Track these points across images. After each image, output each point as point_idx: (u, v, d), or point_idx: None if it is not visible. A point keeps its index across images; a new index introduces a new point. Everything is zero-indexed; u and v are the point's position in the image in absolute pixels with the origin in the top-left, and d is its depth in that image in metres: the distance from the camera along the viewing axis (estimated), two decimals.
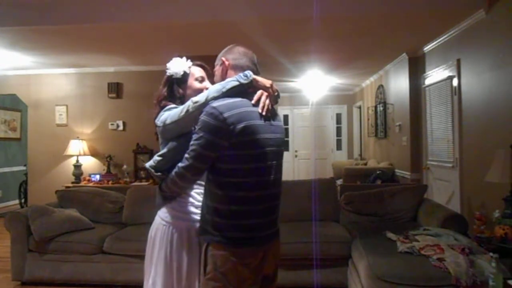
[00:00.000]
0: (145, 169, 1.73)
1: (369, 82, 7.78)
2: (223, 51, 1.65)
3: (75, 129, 6.00)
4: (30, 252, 3.47)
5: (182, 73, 1.77)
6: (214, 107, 1.43)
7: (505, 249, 2.68)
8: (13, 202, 7.61)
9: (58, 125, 6.04)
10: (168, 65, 1.79)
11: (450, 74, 4.21)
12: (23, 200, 6.98)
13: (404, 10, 3.64)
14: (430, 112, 4.86)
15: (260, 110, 1.50)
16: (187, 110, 1.53)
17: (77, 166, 5.79)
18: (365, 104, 8.20)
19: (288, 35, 4.40)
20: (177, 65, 1.78)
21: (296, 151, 9.80)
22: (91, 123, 6.00)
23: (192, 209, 1.71)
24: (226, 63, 1.60)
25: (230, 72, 1.59)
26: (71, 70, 6.02)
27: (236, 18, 3.76)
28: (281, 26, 4.12)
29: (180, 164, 1.52)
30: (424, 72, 5.01)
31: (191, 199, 1.72)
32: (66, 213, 3.66)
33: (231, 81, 1.51)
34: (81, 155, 5.78)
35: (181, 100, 1.74)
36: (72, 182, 5.66)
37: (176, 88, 1.77)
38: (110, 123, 5.96)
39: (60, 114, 6.04)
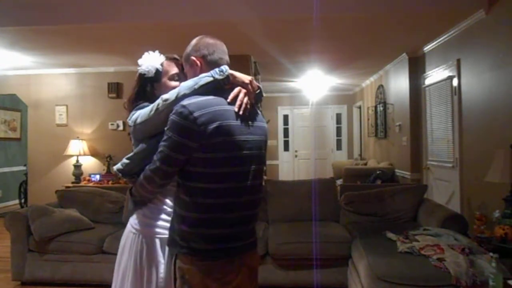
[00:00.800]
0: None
1: (369, 82, 7.78)
2: (190, 48, 1.47)
3: (75, 129, 6.00)
4: (30, 252, 3.47)
5: (154, 71, 1.60)
6: (183, 106, 1.30)
7: (505, 249, 2.68)
8: (13, 202, 7.61)
9: (58, 125, 6.03)
10: (139, 61, 1.62)
11: (450, 74, 4.21)
12: (23, 200, 6.98)
13: (404, 10, 3.63)
14: (430, 112, 4.86)
15: (236, 109, 1.36)
16: (157, 109, 1.40)
17: (77, 166, 5.78)
18: (365, 104, 8.20)
19: (288, 35, 4.40)
20: (148, 62, 1.60)
21: (296, 151, 9.79)
22: (91, 123, 6.00)
23: (164, 216, 1.56)
24: (198, 62, 1.44)
25: (205, 71, 1.42)
26: (71, 70, 6.01)
27: (236, 18, 3.76)
28: (281, 26, 4.12)
29: (148, 167, 1.39)
30: (424, 72, 5.01)
31: (163, 206, 1.57)
32: (66, 213, 3.66)
33: (204, 77, 1.37)
34: (81, 155, 5.78)
35: (153, 100, 1.55)
36: (72, 182, 5.66)
37: (149, 88, 1.62)
38: (110, 123, 5.95)
39: (60, 114, 6.03)
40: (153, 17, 3.78)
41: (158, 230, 1.55)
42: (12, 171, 7.69)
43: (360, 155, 8.78)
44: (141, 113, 1.47)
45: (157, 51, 1.64)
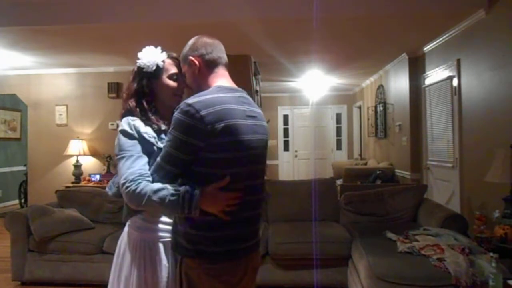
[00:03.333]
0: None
1: (369, 82, 7.78)
2: (188, 48, 1.44)
3: (75, 129, 6.00)
4: (30, 252, 3.47)
5: (154, 67, 1.52)
6: (189, 104, 1.25)
7: (505, 249, 2.68)
8: (13, 202, 7.61)
9: (58, 125, 6.03)
10: (140, 55, 1.54)
11: (450, 74, 4.21)
12: (23, 200, 6.97)
13: (404, 10, 3.63)
14: (430, 112, 4.86)
15: None
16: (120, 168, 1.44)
17: (77, 166, 5.78)
18: (365, 104, 8.20)
19: (288, 35, 4.40)
20: (150, 57, 1.52)
21: (296, 151, 9.79)
22: (91, 123, 6.00)
23: (165, 219, 1.50)
24: (196, 62, 1.40)
25: (204, 70, 1.40)
26: (71, 70, 6.01)
27: (236, 18, 3.76)
28: (281, 26, 4.12)
29: (151, 168, 1.37)
30: (424, 72, 5.01)
31: None
32: (66, 213, 3.66)
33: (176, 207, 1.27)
34: (81, 155, 5.78)
35: (151, 97, 1.53)
36: (72, 182, 5.66)
37: (146, 83, 1.53)
38: (110, 123, 5.95)
39: (60, 114, 6.04)
40: (153, 17, 3.78)
41: (159, 234, 1.49)
42: (12, 171, 7.69)
43: (360, 155, 8.78)
44: (123, 167, 1.48)
45: (159, 48, 1.56)
